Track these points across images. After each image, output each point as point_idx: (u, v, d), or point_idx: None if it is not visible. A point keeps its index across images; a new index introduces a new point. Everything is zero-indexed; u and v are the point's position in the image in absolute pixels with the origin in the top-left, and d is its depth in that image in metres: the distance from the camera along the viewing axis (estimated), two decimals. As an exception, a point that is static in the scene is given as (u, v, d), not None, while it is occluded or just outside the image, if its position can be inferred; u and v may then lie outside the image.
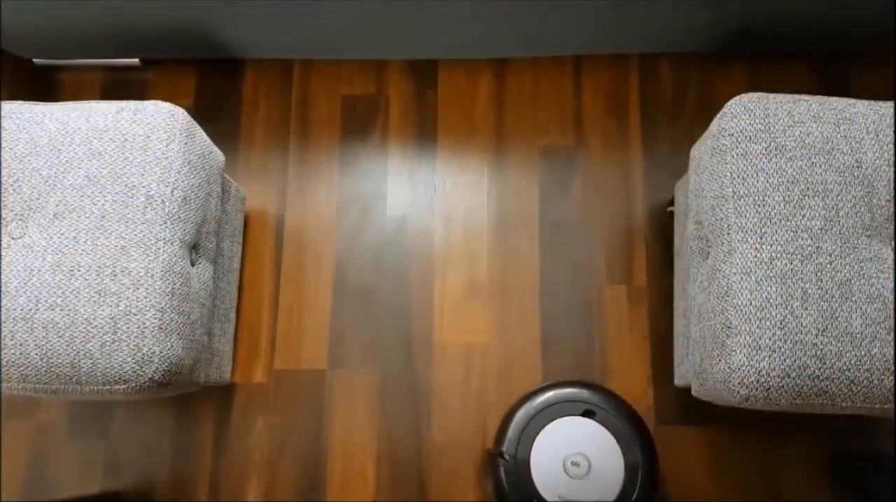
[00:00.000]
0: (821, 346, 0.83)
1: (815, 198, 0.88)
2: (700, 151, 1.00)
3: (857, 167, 0.89)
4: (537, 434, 1.06)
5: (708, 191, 0.95)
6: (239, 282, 1.29)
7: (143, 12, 1.23)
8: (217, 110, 1.40)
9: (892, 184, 0.89)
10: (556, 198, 1.33)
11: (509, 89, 1.39)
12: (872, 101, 0.95)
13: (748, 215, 0.88)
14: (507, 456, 1.05)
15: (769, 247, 0.86)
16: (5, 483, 1.23)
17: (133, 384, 0.90)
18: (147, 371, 0.90)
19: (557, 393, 1.08)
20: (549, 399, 1.08)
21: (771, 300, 0.84)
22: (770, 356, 0.83)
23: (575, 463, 1.03)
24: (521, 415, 1.08)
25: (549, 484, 1.03)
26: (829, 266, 0.85)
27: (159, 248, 0.93)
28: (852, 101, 0.95)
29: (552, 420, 1.07)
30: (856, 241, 0.87)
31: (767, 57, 1.38)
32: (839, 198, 0.88)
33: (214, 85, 1.42)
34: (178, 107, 1.01)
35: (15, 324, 0.89)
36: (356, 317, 1.28)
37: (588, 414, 1.06)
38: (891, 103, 0.94)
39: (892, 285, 0.85)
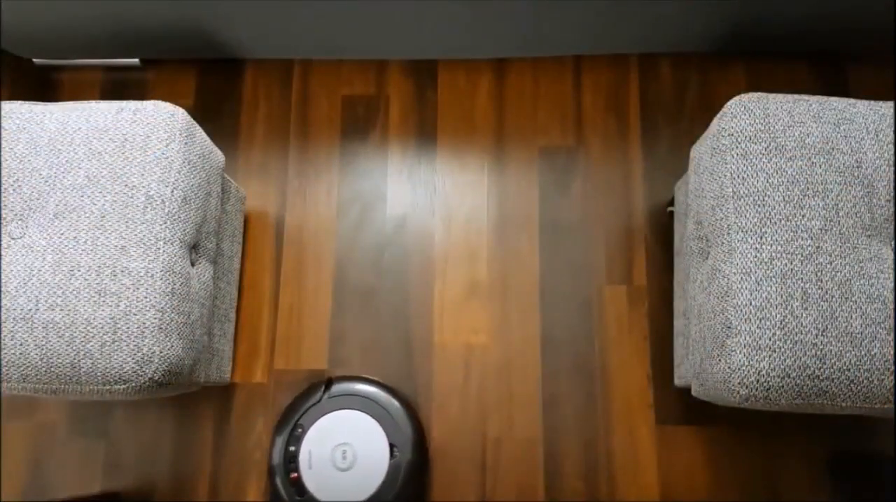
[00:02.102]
0: (821, 346, 0.83)
1: (815, 198, 0.88)
2: (700, 151, 1.00)
3: (857, 167, 0.89)
4: (306, 432, 1.12)
5: (708, 191, 0.95)
6: (239, 282, 1.29)
7: (143, 12, 1.23)
8: (217, 110, 1.40)
9: (892, 184, 0.89)
10: (556, 198, 1.33)
11: (509, 89, 1.39)
12: (872, 101, 0.95)
13: (748, 215, 0.88)
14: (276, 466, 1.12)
15: (769, 247, 0.86)
16: (5, 483, 1.23)
17: (133, 384, 0.90)
18: (147, 371, 0.90)
19: (325, 391, 1.16)
20: (315, 397, 1.15)
21: (771, 300, 0.84)
22: (770, 356, 0.83)
23: (342, 456, 1.10)
24: (288, 418, 1.14)
25: (318, 480, 1.10)
26: (829, 266, 0.85)
27: (159, 248, 0.93)
28: (852, 101, 0.95)
29: (321, 416, 1.13)
30: (856, 241, 0.87)
31: (767, 57, 1.38)
32: (839, 198, 0.88)
33: (214, 85, 1.42)
34: (178, 107, 1.01)
35: (15, 324, 0.89)
36: (356, 317, 1.28)
37: (352, 405, 1.13)
38: (891, 103, 0.94)
39: (892, 285, 0.85)
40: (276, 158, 1.37)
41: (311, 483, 1.10)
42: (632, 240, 1.30)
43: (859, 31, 1.27)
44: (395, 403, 1.14)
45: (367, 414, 1.13)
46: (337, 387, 1.16)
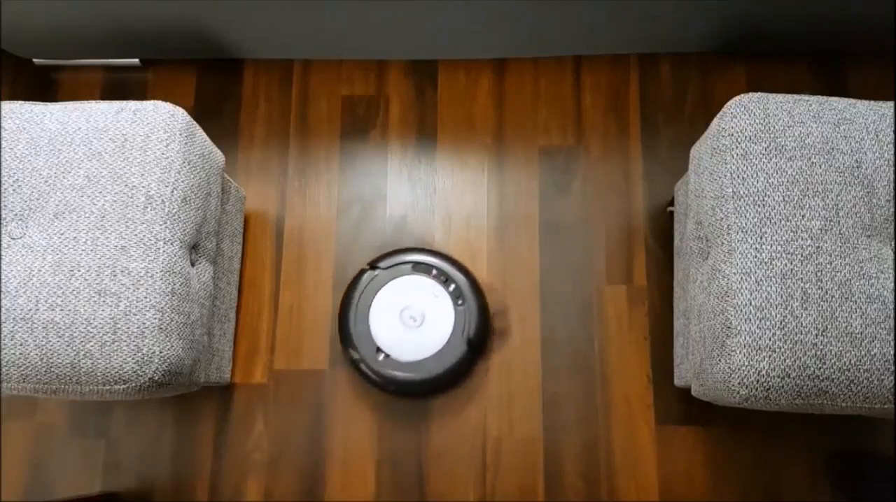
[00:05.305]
0: (821, 346, 0.83)
1: (815, 198, 0.88)
2: (700, 151, 1.00)
3: (857, 167, 0.89)
4: (375, 295, 1.21)
5: (708, 191, 0.95)
6: (239, 282, 1.29)
7: (143, 12, 1.23)
8: (217, 110, 1.40)
9: (892, 184, 0.89)
10: (556, 197, 1.33)
11: (509, 89, 1.39)
12: (872, 101, 0.95)
13: (748, 215, 0.88)
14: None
15: (769, 247, 0.86)
16: (5, 483, 1.23)
17: (133, 384, 0.90)
18: (147, 371, 0.90)
19: (389, 259, 1.24)
20: (383, 263, 1.23)
21: (771, 300, 0.84)
22: (770, 356, 0.83)
23: (411, 317, 1.18)
24: (360, 282, 1.22)
25: (392, 342, 1.19)
26: (829, 266, 0.85)
27: (159, 248, 0.93)
28: (852, 101, 0.95)
29: (388, 282, 1.22)
30: (856, 241, 0.87)
31: (767, 57, 1.38)
32: (839, 198, 0.88)
33: (214, 85, 1.42)
34: (178, 107, 1.01)
35: (15, 324, 0.89)
36: (356, 317, 1.28)
37: (418, 270, 1.21)
38: (891, 103, 0.94)
39: (892, 285, 0.85)
40: (276, 158, 1.37)
41: (385, 344, 1.18)
42: (632, 240, 1.30)
43: (859, 31, 1.27)
44: (443, 262, 1.23)
45: (423, 275, 1.21)
46: (387, 261, 1.23)
